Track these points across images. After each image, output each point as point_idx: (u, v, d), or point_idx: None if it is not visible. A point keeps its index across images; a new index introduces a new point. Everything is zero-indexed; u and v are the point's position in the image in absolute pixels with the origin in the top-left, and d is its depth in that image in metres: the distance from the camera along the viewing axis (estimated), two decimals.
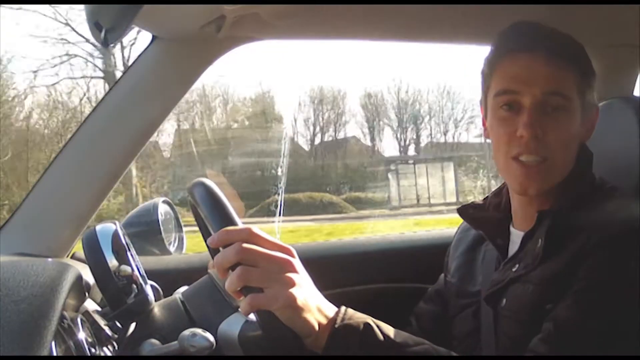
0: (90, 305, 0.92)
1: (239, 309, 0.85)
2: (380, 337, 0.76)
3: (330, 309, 0.77)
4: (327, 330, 0.75)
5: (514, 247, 0.97)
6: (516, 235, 0.97)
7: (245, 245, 0.73)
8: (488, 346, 0.95)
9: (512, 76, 0.91)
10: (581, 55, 0.94)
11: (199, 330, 0.81)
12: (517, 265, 0.92)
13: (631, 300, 0.79)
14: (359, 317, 0.78)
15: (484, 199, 1.07)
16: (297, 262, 0.76)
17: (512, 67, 0.91)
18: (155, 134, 1.36)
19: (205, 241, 0.98)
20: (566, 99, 0.90)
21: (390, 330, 0.78)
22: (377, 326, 0.77)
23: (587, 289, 0.81)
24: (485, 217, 1.03)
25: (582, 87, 0.92)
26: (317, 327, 0.74)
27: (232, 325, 0.85)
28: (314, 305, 0.75)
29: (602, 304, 0.80)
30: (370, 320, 0.78)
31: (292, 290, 0.73)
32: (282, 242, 0.77)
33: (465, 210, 1.05)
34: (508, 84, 0.91)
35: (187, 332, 0.81)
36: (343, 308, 0.78)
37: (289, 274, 0.74)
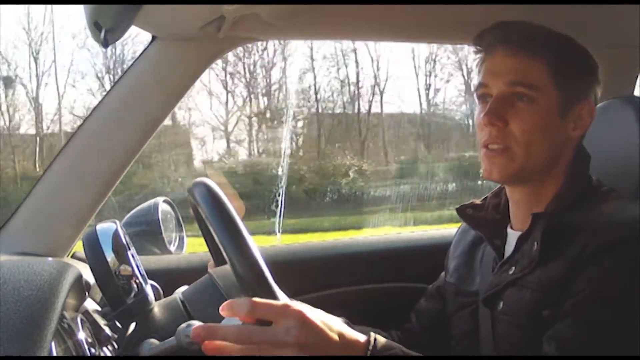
0: (90, 305, 0.92)
1: None
2: None
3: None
4: None
5: (509, 248, 0.97)
6: (512, 236, 0.97)
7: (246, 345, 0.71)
8: (486, 347, 0.95)
9: (486, 71, 0.95)
10: (557, 49, 0.93)
11: (194, 321, 0.81)
12: (513, 268, 0.92)
13: (634, 309, 0.79)
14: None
15: (483, 199, 1.07)
16: (308, 324, 0.71)
17: (487, 63, 0.95)
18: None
19: (206, 240, 0.98)
20: (533, 89, 0.91)
21: None
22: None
23: (588, 302, 0.80)
24: (483, 218, 1.03)
25: (558, 80, 0.92)
26: None
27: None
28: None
29: (605, 318, 0.79)
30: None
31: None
32: (288, 301, 0.73)
33: (463, 210, 1.05)
34: (482, 78, 0.96)
35: (183, 325, 0.80)
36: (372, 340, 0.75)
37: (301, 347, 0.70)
